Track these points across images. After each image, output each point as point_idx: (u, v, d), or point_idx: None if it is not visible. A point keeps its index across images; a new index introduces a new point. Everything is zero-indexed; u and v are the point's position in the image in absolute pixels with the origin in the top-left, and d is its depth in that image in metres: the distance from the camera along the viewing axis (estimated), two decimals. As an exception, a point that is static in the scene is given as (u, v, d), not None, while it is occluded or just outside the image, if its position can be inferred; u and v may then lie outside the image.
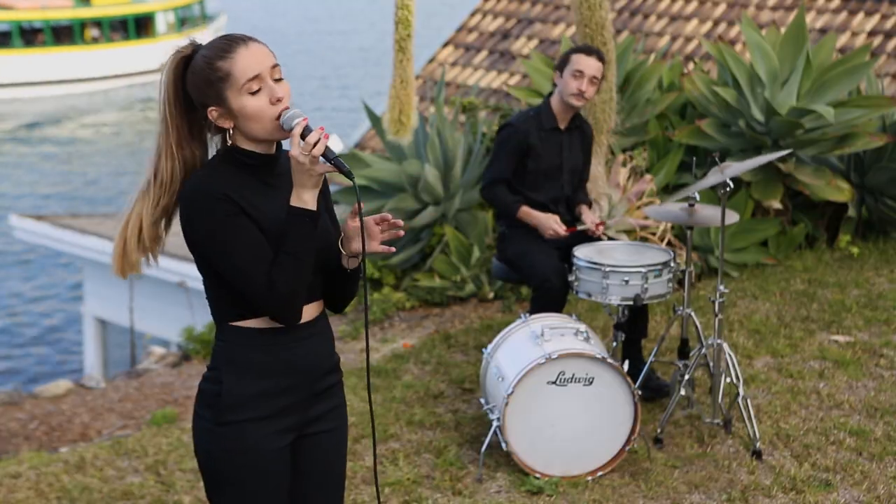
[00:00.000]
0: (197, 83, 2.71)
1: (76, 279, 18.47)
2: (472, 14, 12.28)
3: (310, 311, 2.83)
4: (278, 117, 2.69)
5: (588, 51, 5.37)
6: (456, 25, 12.28)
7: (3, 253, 20.92)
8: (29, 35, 33.95)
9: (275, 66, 2.71)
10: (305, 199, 2.68)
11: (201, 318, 9.92)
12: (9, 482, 5.00)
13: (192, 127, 2.77)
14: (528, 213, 5.38)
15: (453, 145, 7.65)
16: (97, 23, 34.52)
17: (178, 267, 11.75)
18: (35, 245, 16.65)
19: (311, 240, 2.70)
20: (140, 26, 35.93)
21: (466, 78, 11.45)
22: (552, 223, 5.31)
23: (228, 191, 2.67)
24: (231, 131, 2.73)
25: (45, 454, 5.45)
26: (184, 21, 37.77)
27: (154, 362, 7.88)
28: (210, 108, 2.71)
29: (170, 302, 12.24)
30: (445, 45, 12.06)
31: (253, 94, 2.67)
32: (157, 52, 31.16)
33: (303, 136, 2.64)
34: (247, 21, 50.61)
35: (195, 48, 2.75)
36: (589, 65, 5.31)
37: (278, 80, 2.71)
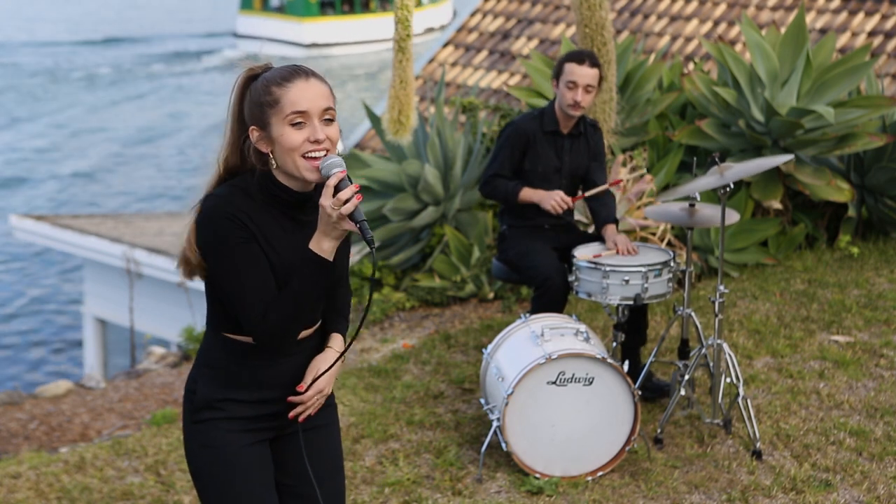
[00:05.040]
0: (250, 101, 2.73)
1: (76, 279, 18.48)
2: (473, 14, 12.28)
3: (304, 333, 2.84)
4: (304, 155, 2.67)
5: (580, 59, 5.27)
6: (456, 25, 12.28)
7: (3, 253, 20.93)
8: (325, 7, 42.00)
9: (328, 108, 2.69)
10: (325, 247, 2.68)
11: (201, 318, 9.91)
12: (9, 482, 5.00)
13: (244, 142, 2.78)
14: (530, 192, 5.36)
15: (453, 145, 7.65)
16: None
17: (178, 267, 11.73)
18: (35, 245, 16.66)
19: (319, 287, 2.69)
20: None
21: (466, 78, 11.45)
22: (554, 196, 5.27)
23: (243, 217, 2.68)
24: (271, 156, 2.73)
25: (45, 454, 5.45)
26: None
27: (154, 362, 7.88)
28: (252, 128, 2.72)
29: (170, 302, 12.25)
30: (445, 45, 12.06)
31: (294, 125, 2.67)
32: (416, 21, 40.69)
33: (337, 189, 2.61)
34: None
35: (265, 69, 2.76)
36: (582, 74, 5.26)
37: (328, 122, 2.70)
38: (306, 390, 2.83)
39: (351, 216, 2.61)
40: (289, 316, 2.69)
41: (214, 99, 34.83)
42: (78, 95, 35.58)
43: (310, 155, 2.67)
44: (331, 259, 2.69)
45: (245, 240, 2.68)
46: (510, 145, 5.39)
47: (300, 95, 2.67)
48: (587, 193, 5.38)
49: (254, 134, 2.72)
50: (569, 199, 5.28)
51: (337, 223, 2.63)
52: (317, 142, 2.67)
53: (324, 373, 2.83)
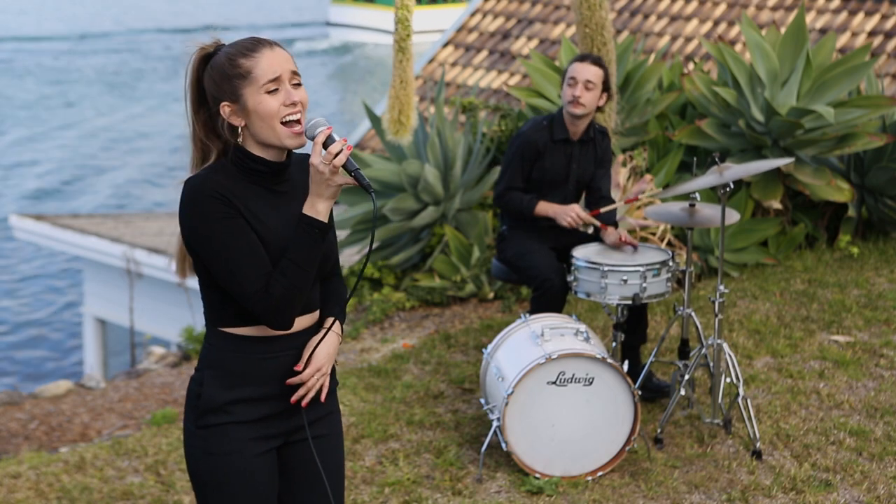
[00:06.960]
0: (215, 78, 2.72)
1: (76, 279, 18.48)
2: (472, 14, 12.28)
3: (304, 321, 2.82)
4: (282, 121, 2.69)
5: (582, 57, 5.33)
6: (456, 25, 12.28)
7: (3, 253, 20.93)
8: None
9: (294, 72, 2.72)
10: (319, 209, 2.67)
11: (201, 318, 9.91)
12: (9, 482, 5.00)
13: (212, 123, 2.78)
14: (546, 206, 5.37)
15: (453, 145, 7.65)
16: None
17: (178, 267, 11.73)
18: (35, 245, 16.66)
19: (317, 251, 2.69)
20: None
21: (466, 78, 11.45)
22: (570, 212, 5.28)
23: (226, 193, 2.67)
24: (241, 131, 2.73)
25: (45, 454, 5.45)
26: None
27: (154, 362, 7.88)
28: (223, 104, 2.72)
29: (170, 302, 12.25)
30: (445, 45, 12.06)
31: (269, 93, 2.69)
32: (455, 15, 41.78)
33: (325, 146, 2.64)
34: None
35: (218, 47, 2.76)
36: (581, 70, 5.27)
37: (297, 86, 2.72)
38: (304, 368, 2.79)
39: (344, 167, 2.62)
40: (291, 286, 2.67)
41: (307, 82, 36.05)
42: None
43: (288, 119, 2.69)
44: (325, 221, 2.68)
45: (230, 216, 2.66)
46: (520, 157, 5.40)
47: (271, 62, 2.69)
48: (602, 210, 5.38)
49: (226, 109, 2.72)
50: (584, 215, 5.28)
51: (330, 179, 2.63)
52: (292, 104, 2.69)
53: (318, 342, 2.79)
